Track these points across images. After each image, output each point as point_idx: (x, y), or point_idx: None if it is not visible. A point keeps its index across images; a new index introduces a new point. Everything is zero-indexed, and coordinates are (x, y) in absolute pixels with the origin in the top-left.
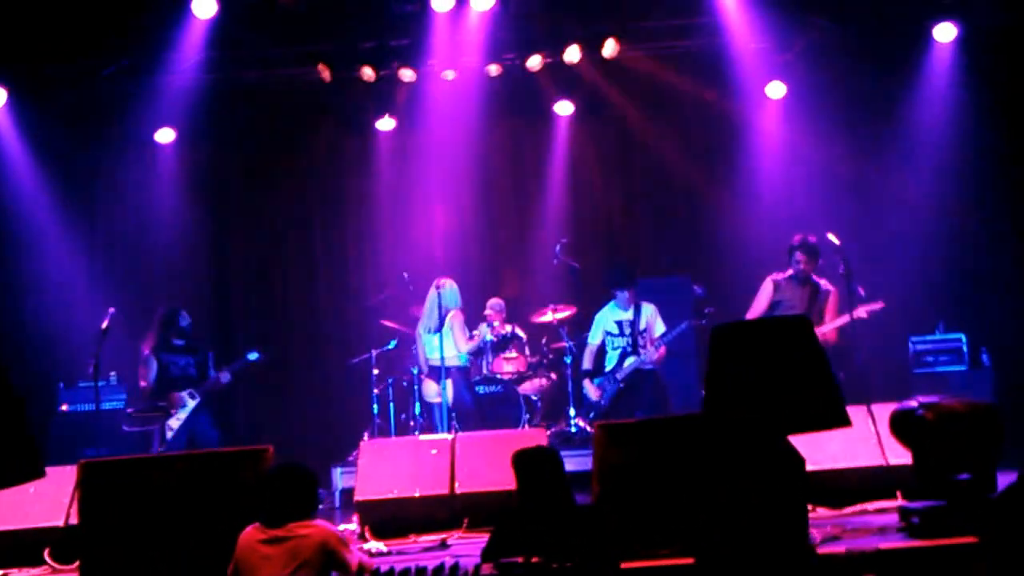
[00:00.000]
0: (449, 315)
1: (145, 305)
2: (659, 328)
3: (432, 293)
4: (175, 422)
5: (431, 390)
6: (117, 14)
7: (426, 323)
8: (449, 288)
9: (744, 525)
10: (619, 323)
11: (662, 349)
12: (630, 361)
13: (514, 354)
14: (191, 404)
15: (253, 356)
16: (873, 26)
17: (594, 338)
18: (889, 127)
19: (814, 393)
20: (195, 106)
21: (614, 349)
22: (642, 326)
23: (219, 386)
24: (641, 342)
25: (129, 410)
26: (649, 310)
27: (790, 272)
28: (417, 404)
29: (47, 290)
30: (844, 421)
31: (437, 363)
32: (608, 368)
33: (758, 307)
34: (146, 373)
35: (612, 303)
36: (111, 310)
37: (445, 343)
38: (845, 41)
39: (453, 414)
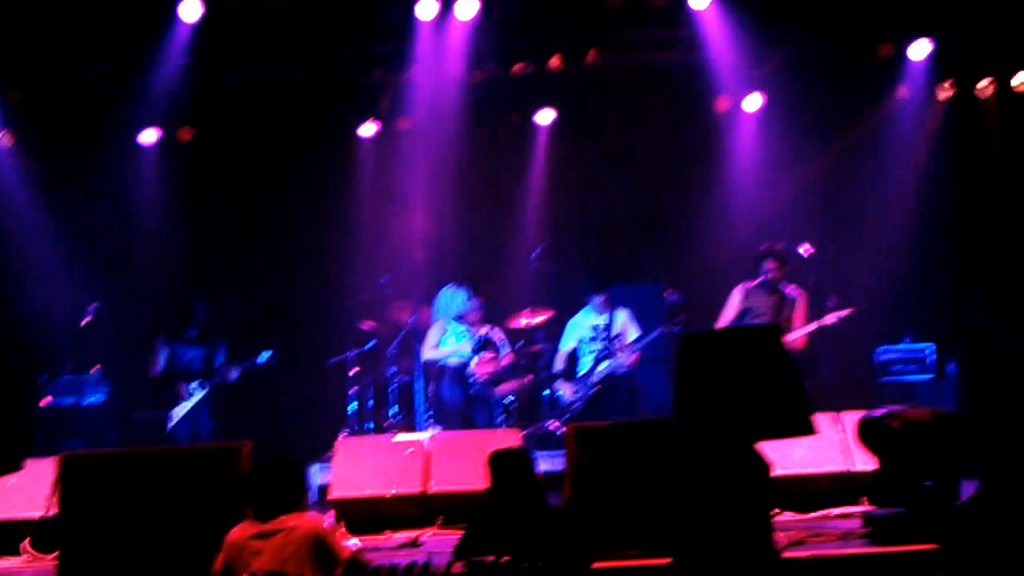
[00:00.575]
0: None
1: (127, 302)
2: (632, 333)
3: None
4: (180, 411)
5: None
6: (102, 16)
7: None
8: (442, 295)
9: (711, 528)
10: (594, 328)
11: (635, 353)
12: (604, 365)
13: (491, 355)
14: (197, 395)
15: (263, 357)
16: (849, 42)
17: (565, 344)
18: (862, 141)
19: (780, 402)
20: (179, 108)
21: (588, 353)
22: (616, 331)
23: (226, 381)
24: (615, 346)
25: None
26: (623, 315)
27: (759, 280)
28: (396, 405)
29: (31, 285)
30: (809, 430)
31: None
32: (582, 372)
33: (727, 316)
34: (155, 361)
35: (587, 308)
36: (93, 305)
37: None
38: (821, 56)
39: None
